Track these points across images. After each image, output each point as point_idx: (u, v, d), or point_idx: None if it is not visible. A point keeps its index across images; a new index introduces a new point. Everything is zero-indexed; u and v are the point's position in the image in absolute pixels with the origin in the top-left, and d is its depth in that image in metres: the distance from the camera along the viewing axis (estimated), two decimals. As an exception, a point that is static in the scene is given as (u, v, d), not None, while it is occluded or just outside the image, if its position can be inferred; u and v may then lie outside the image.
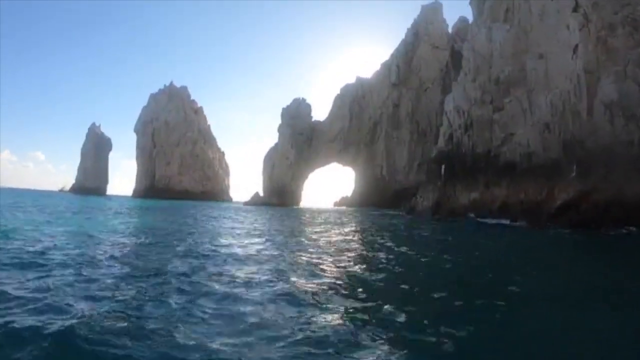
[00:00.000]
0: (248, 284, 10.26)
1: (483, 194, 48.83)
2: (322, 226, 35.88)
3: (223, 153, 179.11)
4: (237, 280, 10.66)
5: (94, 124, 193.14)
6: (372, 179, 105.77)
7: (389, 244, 22.17)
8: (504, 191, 46.61)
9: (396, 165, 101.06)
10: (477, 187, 50.02)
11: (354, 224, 40.47)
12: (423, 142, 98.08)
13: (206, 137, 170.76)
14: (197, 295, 8.93)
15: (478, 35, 56.76)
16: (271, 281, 10.66)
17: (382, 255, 17.30)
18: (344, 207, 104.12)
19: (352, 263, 14.79)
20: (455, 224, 41.64)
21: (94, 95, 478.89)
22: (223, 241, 20.04)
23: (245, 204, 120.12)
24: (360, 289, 10.32)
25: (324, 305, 8.51)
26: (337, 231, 30.64)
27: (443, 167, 54.89)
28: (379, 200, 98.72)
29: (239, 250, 16.37)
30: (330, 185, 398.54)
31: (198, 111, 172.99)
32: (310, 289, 9.80)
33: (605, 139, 36.66)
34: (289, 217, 44.26)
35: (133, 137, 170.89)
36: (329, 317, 7.78)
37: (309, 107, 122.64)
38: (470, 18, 69.92)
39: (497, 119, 50.71)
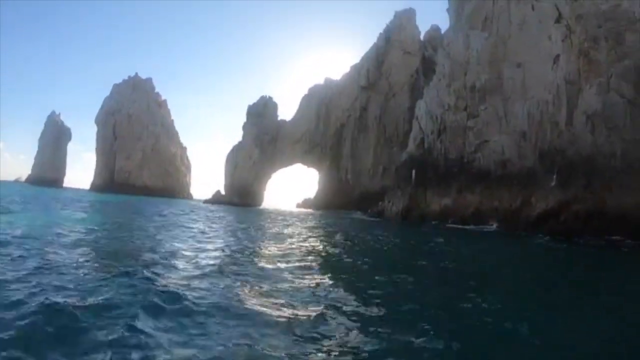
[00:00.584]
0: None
1: (455, 200, 48.07)
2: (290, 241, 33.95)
3: (185, 149, 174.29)
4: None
5: (53, 112, 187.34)
6: (336, 181, 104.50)
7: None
8: (477, 198, 46.12)
9: (361, 169, 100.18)
10: (449, 193, 49.27)
11: (324, 230, 38.98)
12: (389, 147, 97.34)
13: (169, 132, 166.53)
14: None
15: (455, 42, 55.99)
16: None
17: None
18: (308, 210, 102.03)
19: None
20: (432, 230, 40.39)
21: (56, 82, 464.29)
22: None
23: (206, 202, 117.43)
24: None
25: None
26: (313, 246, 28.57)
27: (414, 172, 53.72)
28: (342, 203, 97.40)
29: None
30: (293, 186, 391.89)
31: (162, 104, 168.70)
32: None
33: (587, 149, 36.16)
34: (248, 222, 40.05)
35: (94, 129, 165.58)
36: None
37: (275, 106, 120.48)
38: (443, 26, 69.49)
39: (471, 126, 50.10)
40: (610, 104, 35.52)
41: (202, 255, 15.04)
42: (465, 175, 48.33)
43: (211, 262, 13.39)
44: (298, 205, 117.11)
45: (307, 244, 21.55)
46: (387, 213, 56.35)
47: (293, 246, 19.55)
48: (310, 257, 16.14)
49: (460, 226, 43.74)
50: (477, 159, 48.08)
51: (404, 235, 34.17)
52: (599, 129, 35.87)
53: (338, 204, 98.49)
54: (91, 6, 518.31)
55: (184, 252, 15.22)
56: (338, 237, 28.65)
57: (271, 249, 18.73)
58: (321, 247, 21.19)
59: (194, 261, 13.52)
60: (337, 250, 20.19)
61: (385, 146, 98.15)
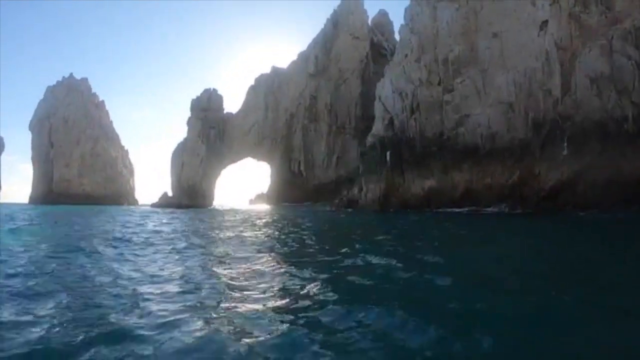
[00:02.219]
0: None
1: (441, 181, 43.48)
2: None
3: (127, 151, 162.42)
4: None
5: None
6: (289, 174, 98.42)
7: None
8: (467, 175, 41.98)
9: (314, 160, 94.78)
10: (431, 173, 44.59)
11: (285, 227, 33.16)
12: (342, 135, 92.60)
13: (108, 135, 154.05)
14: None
15: (420, 16, 51.79)
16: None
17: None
18: (264, 206, 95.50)
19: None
20: (429, 218, 35.03)
21: None
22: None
23: (153, 206, 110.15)
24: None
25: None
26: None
27: (388, 154, 48.18)
28: (297, 196, 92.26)
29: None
30: (243, 182, 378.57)
31: (99, 105, 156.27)
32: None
33: (596, 115, 33.39)
34: (195, 225, 31.28)
35: (29, 136, 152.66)
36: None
37: (220, 98, 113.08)
38: (390, 11, 64.76)
39: (448, 100, 45.80)
40: (617, 66, 33.25)
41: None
42: (448, 153, 43.74)
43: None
44: (251, 202, 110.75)
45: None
46: (362, 202, 50.74)
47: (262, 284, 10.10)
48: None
49: (454, 210, 39.01)
50: (460, 135, 43.76)
51: (413, 232, 25.77)
52: (606, 92, 33.43)
53: (292, 197, 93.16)
54: (20, 5, 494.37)
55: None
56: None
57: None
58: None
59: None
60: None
61: (338, 134, 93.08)
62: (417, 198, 44.27)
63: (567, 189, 32.79)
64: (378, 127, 53.87)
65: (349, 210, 51.02)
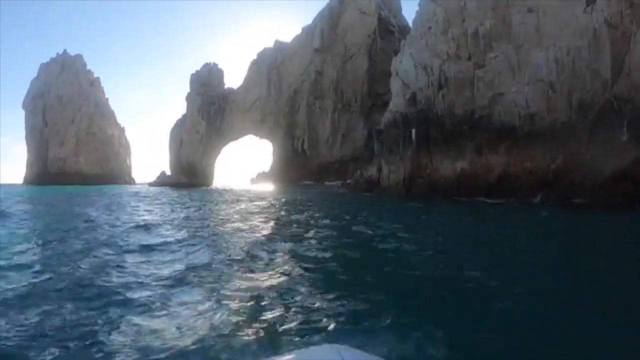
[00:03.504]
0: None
1: (474, 163, 38.95)
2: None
3: (123, 129, 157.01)
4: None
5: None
6: (292, 152, 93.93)
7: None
8: (503, 158, 37.39)
9: (319, 138, 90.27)
10: (463, 154, 40.06)
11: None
12: (348, 113, 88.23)
13: (104, 112, 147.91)
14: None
15: (446, -13, 46.97)
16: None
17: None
18: (267, 185, 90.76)
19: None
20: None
21: None
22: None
23: (151, 185, 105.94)
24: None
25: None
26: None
27: (414, 131, 43.58)
28: (300, 176, 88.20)
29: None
30: (244, 160, 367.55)
31: (94, 82, 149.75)
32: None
33: None
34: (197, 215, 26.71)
35: (22, 116, 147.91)
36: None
37: (221, 73, 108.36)
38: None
39: (480, 76, 41.31)
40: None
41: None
42: (481, 133, 39.33)
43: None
44: (252, 181, 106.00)
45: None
46: (384, 184, 46.33)
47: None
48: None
49: (489, 200, 34.82)
50: (495, 114, 39.25)
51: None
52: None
53: (295, 176, 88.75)
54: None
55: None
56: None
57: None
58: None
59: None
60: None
61: (343, 112, 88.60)
62: (447, 181, 39.91)
63: (628, 177, 28.81)
64: (397, 103, 49.46)
65: (367, 193, 46.84)
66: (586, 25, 34.51)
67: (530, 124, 36.90)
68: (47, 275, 9.31)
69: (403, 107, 47.34)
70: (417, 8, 53.97)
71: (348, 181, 57.21)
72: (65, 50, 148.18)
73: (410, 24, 62.03)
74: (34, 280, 8.88)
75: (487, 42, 41.70)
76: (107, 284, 8.52)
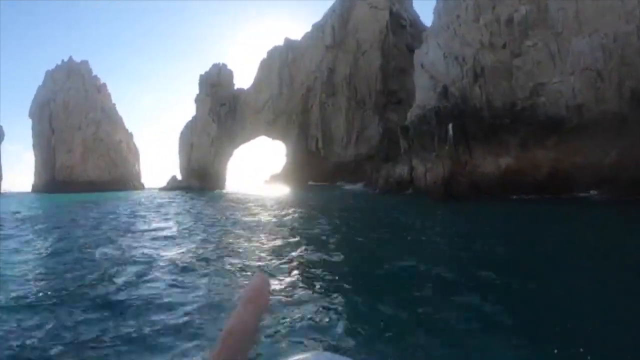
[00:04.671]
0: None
1: (520, 159, 35.70)
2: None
3: (131, 134, 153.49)
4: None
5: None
6: (306, 152, 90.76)
7: None
8: (552, 153, 34.22)
9: (333, 137, 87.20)
10: (507, 149, 36.82)
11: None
12: (362, 110, 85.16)
13: (111, 117, 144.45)
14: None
15: (474, -29, 44.08)
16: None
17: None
18: (282, 188, 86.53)
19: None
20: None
21: None
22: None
23: (162, 189, 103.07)
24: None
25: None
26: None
27: (451, 126, 40.05)
28: (315, 176, 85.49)
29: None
30: (256, 162, 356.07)
31: (101, 88, 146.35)
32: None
33: None
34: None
35: (30, 124, 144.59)
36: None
37: (230, 73, 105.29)
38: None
39: (519, 66, 38.24)
40: None
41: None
42: (525, 127, 36.13)
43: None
44: (266, 182, 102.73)
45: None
46: (419, 184, 43.01)
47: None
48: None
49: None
50: (539, 105, 36.14)
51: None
52: None
53: (310, 177, 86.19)
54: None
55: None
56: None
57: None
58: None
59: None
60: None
61: (358, 110, 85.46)
62: (490, 179, 36.54)
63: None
64: (425, 97, 46.21)
65: (399, 194, 43.50)
66: (632, 9, 32.28)
67: (578, 116, 33.95)
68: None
69: (433, 101, 44.08)
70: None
71: (374, 181, 53.70)
72: (70, 57, 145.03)
73: (420, 19, 59.97)
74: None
75: (523, 30, 39.02)
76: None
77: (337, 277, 9.56)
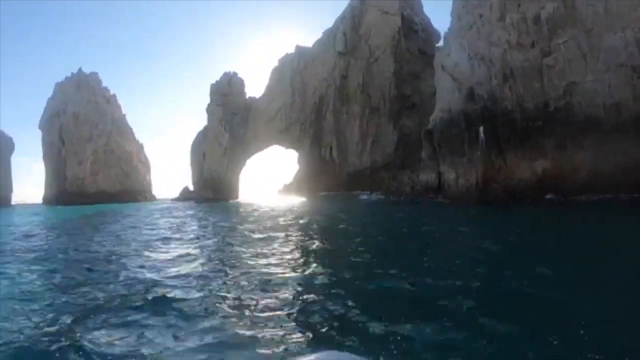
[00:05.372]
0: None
1: (557, 162, 33.83)
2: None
3: (142, 145, 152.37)
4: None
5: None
6: (320, 161, 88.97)
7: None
8: (590, 155, 32.38)
9: (347, 145, 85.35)
10: (543, 152, 34.92)
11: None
12: (376, 117, 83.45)
13: (121, 128, 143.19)
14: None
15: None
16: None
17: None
18: (296, 198, 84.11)
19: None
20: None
21: None
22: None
23: (174, 200, 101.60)
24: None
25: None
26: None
27: (481, 130, 38.02)
28: (329, 185, 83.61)
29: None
30: (268, 171, 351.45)
31: (111, 99, 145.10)
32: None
33: None
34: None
35: (40, 136, 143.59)
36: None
37: (242, 82, 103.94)
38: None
39: (550, 65, 36.46)
40: None
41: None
42: (561, 128, 34.25)
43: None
44: (280, 192, 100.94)
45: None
46: (451, 190, 40.78)
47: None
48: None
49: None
50: (575, 105, 34.29)
51: None
52: None
53: (324, 186, 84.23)
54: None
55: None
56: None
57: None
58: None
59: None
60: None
61: (372, 117, 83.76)
62: (526, 184, 34.60)
63: None
64: (449, 100, 44.28)
65: (432, 200, 41.32)
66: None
67: (616, 115, 32.21)
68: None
69: (459, 104, 42.21)
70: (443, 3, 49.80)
71: (393, 189, 51.63)
72: (80, 69, 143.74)
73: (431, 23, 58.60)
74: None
75: (552, 28, 37.36)
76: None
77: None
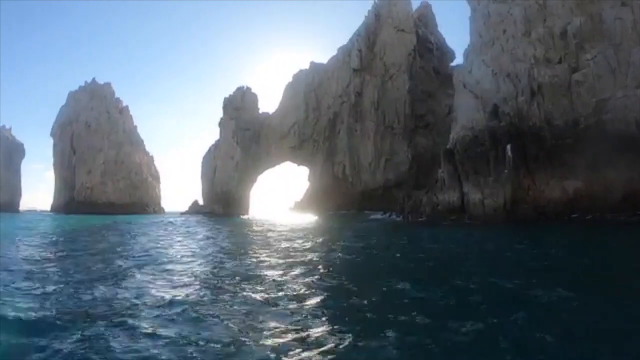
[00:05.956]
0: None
1: (589, 182, 32.35)
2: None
3: (152, 157, 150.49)
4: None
5: (3, 126, 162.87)
6: (333, 179, 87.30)
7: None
8: (625, 174, 31.06)
9: (361, 163, 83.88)
10: (574, 172, 33.38)
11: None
12: (390, 135, 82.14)
13: (132, 140, 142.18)
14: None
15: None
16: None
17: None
18: (310, 216, 78.88)
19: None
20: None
21: (6, 95, 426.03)
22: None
23: (183, 214, 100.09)
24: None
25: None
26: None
27: (509, 148, 36.29)
28: (341, 203, 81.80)
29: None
30: (278, 187, 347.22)
31: (123, 111, 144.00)
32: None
33: None
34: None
35: (51, 144, 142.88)
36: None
37: (255, 97, 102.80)
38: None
39: (580, 81, 35.13)
40: None
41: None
42: (592, 146, 32.81)
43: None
44: (291, 209, 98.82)
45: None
46: (477, 211, 38.16)
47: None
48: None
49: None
50: (607, 122, 32.95)
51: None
52: None
53: (335, 204, 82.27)
54: (43, 7, 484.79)
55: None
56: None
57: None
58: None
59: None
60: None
61: (386, 135, 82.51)
62: (557, 204, 32.90)
63: None
64: (471, 118, 42.69)
65: (455, 221, 38.83)
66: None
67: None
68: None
69: (483, 121, 40.69)
70: (469, 15, 48.63)
71: (408, 210, 49.58)
72: (94, 79, 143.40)
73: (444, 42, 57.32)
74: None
75: (579, 42, 36.43)
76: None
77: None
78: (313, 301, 9.19)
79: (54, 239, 30.01)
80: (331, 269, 13.87)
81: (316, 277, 12.15)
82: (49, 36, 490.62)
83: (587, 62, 35.19)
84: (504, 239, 24.29)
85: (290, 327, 7.37)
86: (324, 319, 7.93)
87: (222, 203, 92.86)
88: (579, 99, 34.77)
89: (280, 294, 9.91)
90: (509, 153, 35.96)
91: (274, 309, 8.74)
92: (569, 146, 33.92)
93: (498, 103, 40.03)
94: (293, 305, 8.79)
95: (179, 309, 8.67)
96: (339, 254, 18.42)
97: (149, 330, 7.30)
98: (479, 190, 38.08)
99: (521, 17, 40.46)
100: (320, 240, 25.43)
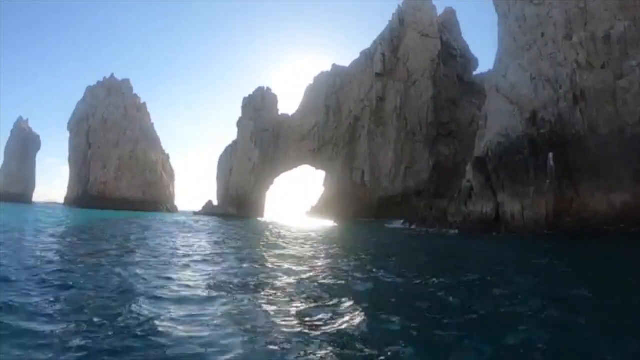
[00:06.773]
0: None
1: (637, 195, 29.98)
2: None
3: (168, 156, 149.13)
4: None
5: (20, 118, 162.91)
6: (351, 185, 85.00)
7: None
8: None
9: (380, 169, 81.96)
10: (620, 184, 31.11)
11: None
12: (412, 142, 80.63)
13: (149, 137, 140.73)
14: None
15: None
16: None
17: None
18: (328, 222, 74.43)
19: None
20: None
21: (26, 88, 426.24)
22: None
23: (196, 214, 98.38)
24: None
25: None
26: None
27: (551, 156, 33.98)
28: (358, 210, 79.94)
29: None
30: (293, 191, 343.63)
31: (141, 108, 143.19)
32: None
33: None
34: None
35: (67, 137, 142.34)
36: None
37: (274, 98, 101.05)
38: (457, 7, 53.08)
39: (625, 87, 32.92)
40: None
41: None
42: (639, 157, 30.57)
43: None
44: (307, 214, 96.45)
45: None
46: (515, 223, 35.83)
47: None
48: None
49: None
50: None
51: None
52: None
53: (352, 211, 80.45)
54: (63, 5, 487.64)
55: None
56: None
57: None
58: None
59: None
60: None
61: (407, 142, 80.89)
62: (603, 218, 30.59)
63: None
64: (507, 125, 40.13)
65: (490, 234, 36.22)
66: None
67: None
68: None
69: (520, 128, 38.23)
70: (497, 18, 46.78)
71: (430, 220, 47.18)
72: (112, 75, 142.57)
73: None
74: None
75: (623, 48, 34.11)
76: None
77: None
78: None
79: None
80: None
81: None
82: (72, 34, 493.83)
83: (633, 69, 33.09)
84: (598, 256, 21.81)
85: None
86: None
87: (237, 205, 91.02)
88: (625, 106, 32.56)
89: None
90: (551, 162, 33.71)
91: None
92: (614, 156, 31.71)
93: (537, 109, 37.78)
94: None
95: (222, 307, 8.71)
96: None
97: (168, 330, 7.11)
98: (518, 201, 35.67)
99: (562, 20, 38.30)
100: (367, 257, 21.14)
